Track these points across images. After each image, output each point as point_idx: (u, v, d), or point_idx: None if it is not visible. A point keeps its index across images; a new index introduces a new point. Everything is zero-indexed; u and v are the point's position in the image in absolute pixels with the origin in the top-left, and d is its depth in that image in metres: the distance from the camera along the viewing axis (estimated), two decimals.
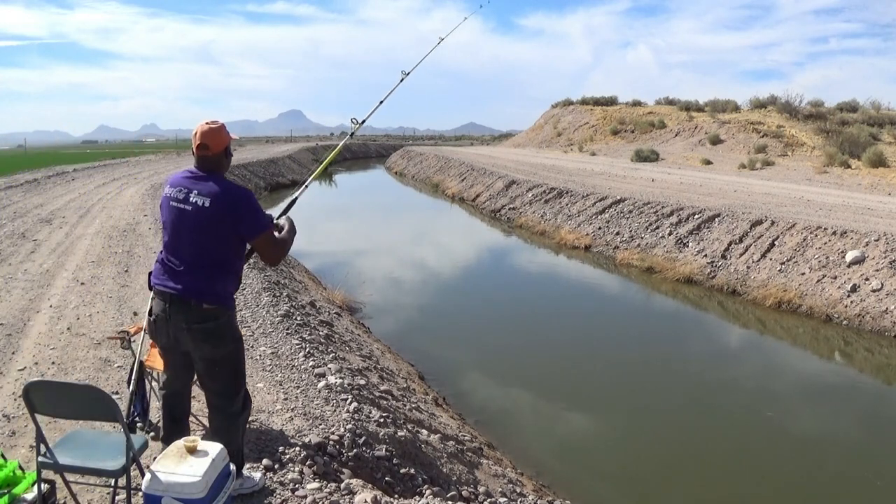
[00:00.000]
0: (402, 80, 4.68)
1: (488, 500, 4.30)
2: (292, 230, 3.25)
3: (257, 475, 3.32)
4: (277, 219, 3.29)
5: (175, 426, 3.23)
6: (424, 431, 4.96)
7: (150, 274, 3.12)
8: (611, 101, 44.50)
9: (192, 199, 2.93)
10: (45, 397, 2.71)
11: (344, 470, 3.76)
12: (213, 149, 2.99)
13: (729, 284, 11.33)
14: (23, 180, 21.51)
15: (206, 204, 2.90)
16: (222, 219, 2.91)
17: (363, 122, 4.41)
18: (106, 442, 2.84)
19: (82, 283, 7.58)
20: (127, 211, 14.05)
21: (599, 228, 15.83)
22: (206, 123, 3.00)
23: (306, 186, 3.84)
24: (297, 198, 3.70)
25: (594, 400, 7.18)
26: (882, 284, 9.55)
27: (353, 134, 4.59)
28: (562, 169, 25.81)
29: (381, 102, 4.65)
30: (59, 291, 7.23)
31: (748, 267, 11.61)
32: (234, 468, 2.84)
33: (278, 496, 3.24)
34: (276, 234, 3.10)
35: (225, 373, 3.07)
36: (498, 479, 4.83)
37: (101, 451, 2.74)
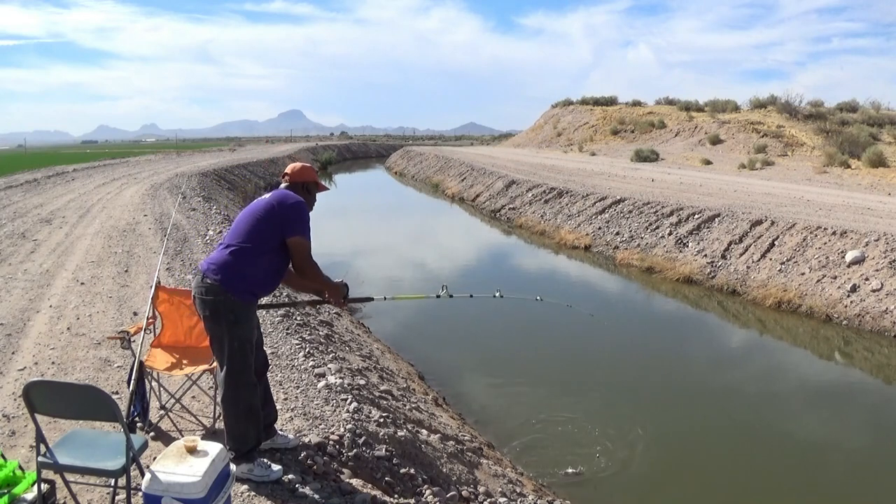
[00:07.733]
0: None
1: (488, 500, 4.30)
2: (325, 282, 3.57)
3: (276, 467, 3.38)
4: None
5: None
6: (424, 431, 4.96)
7: None
8: (611, 101, 44.54)
9: (265, 196, 3.50)
10: (45, 397, 2.71)
11: (344, 470, 3.76)
12: (290, 178, 3.56)
13: (729, 284, 11.33)
14: (23, 180, 21.52)
15: (268, 197, 3.44)
16: (272, 209, 3.34)
17: None
18: (106, 442, 2.84)
19: (82, 283, 7.58)
20: (127, 211, 14.04)
21: (599, 228, 15.84)
22: (300, 163, 3.77)
23: None
24: None
25: (594, 400, 7.17)
26: (882, 284, 9.55)
27: None
28: (562, 169, 25.81)
29: None
30: (59, 291, 7.23)
31: (748, 267, 11.60)
32: (234, 468, 2.85)
33: (278, 496, 3.24)
34: (309, 248, 3.40)
35: (216, 349, 3.31)
36: (498, 479, 4.82)
37: (101, 451, 2.74)
